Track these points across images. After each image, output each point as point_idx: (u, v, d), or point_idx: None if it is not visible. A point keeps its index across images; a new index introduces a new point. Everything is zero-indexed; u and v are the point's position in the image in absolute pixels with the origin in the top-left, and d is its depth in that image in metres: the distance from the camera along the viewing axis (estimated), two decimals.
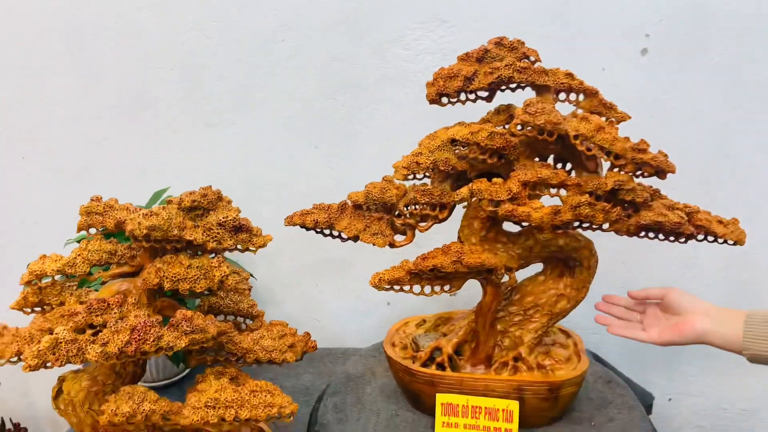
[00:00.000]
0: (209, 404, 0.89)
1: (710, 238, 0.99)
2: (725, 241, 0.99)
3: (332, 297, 1.52)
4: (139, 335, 0.83)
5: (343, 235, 1.03)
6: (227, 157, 1.41)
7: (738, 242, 0.98)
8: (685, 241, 0.97)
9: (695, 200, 1.06)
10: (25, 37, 1.35)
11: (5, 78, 1.37)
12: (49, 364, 0.84)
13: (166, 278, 0.88)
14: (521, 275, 1.09)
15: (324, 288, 1.51)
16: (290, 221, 1.04)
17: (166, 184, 1.30)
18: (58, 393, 0.97)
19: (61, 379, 0.97)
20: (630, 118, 1.02)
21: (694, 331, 0.91)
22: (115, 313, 0.86)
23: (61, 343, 0.83)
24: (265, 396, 0.92)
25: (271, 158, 1.41)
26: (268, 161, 1.41)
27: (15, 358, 0.92)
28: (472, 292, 1.08)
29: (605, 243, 1.09)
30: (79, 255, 0.90)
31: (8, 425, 1.43)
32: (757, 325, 0.87)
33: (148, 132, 1.40)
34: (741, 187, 1.38)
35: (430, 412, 1.02)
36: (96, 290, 0.95)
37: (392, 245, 1.01)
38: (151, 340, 0.83)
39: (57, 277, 0.91)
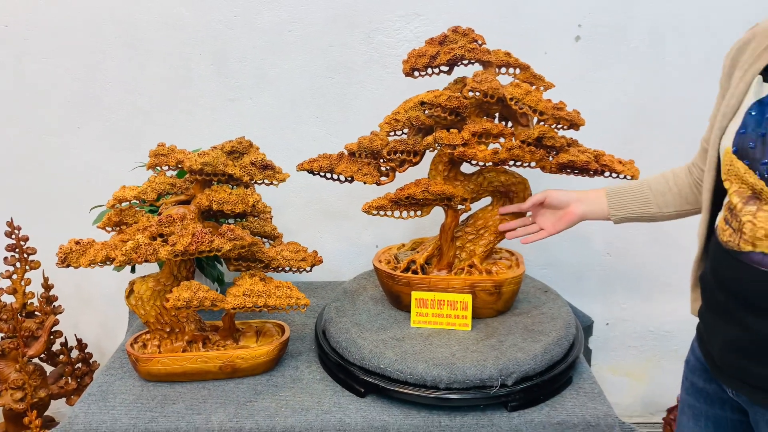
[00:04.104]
0: (246, 293, 1.22)
1: (614, 175, 1.32)
2: (625, 177, 1.32)
3: (330, 242, 1.84)
4: (197, 239, 1.16)
5: (341, 177, 1.36)
6: (246, 125, 1.72)
7: (633, 177, 1.31)
8: (593, 176, 1.30)
9: (621, 155, 1.34)
10: (85, 26, 1.64)
11: (67, 60, 1.66)
12: (132, 262, 1.17)
13: (215, 201, 1.21)
14: (476, 209, 1.42)
15: (324, 235, 1.84)
16: (301, 167, 1.36)
17: (197, 147, 1.62)
18: (130, 293, 1.29)
19: (132, 283, 1.30)
20: (554, 86, 1.36)
21: (575, 215, 1.21)
22: (178, 225, 1.19)
23: (141, 246, 1.16)
24: (286, 290, 1.25)
25: (282, 126, 1.72)
26: (279, 128, 1.72)
27: (101, 262, 1.24)
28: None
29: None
30: (149, 185, 1.23)
31: (71, 342, 1.75)
32: (615, 197, 1.18)
33: (182, 105, 1.70)
34: (657, 144, 1.71)
35: (407, 310, 1.35)
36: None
37: (378, 183, 1.34)
38: (206, 242, 1.16)
39: (132, 202, 1.24)
